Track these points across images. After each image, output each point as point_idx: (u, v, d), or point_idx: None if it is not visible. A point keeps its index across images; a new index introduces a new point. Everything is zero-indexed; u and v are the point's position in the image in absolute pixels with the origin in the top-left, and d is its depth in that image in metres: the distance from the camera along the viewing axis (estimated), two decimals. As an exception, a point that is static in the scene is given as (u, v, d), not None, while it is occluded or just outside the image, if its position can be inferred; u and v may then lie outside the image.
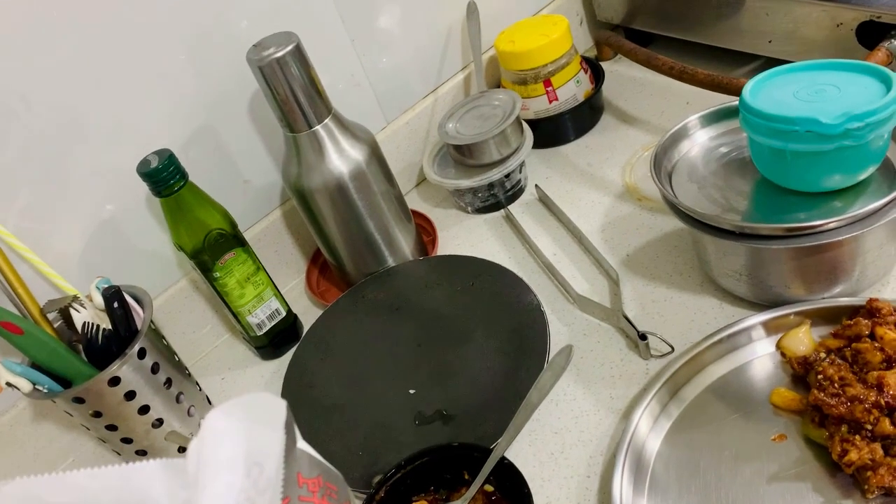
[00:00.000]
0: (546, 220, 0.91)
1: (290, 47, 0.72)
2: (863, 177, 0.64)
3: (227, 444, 0.33)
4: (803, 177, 0.64)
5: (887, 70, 0.62)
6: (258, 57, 0.72)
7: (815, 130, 0.59)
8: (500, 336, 0.75)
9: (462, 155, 0.93)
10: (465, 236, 0.94)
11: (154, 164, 0.72)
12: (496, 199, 0.95)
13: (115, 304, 0.71)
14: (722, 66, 0.98)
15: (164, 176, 0.72)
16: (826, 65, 0.66)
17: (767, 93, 0.65)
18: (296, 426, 0.36)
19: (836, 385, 0.58)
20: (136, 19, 0.75)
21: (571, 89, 0.98)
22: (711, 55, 0.98)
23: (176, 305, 0.88)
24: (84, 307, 0.74)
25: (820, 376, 0.59)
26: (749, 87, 0.66)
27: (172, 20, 0.77)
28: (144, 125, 0.79)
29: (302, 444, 0.37)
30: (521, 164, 0.95)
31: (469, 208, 0.97)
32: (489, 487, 0.59)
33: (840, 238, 0.61)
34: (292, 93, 0.74)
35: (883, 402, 0.55)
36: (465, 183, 0.92)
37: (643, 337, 0.69)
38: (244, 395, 0.34)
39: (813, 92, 0.63)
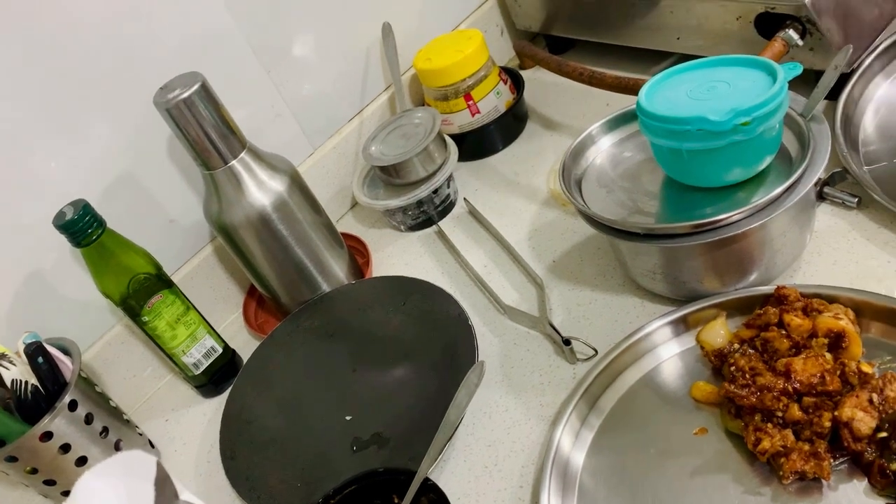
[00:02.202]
0: (476, 232, 0.92)
1: (195, 87, 0.72)
2: (761, 167, 0.65)
3: (104, 502, 0.33)
4: (704, 173, 0.66)
5: (773, 63, 0.64)
6: (164, 100, 0.72)
7: (705, 128, 0.61)
8: (432, 354, 0.76)
9: (389, 175, 0.93)
10: (400, 255, 0.95)
11: (69, 215, 0.72)
12: (427, 215, 0.96)
13: (39, 359, 0.71)
14: (640, 66, 0.99)
15: (81, 226, 0.72)
16: (717, 61, 0.67)
17: (662, 94, 0.66)
18: (173, 480, 0.36)
19: (747, 376, 0.59)
20: (41, 70, 0.75)
21: (492, 101, 0.99)
22: (630, 56, 1.00)
23: (113, 351, 0.88)
24: (13, 364, 0.74)
25: (732, 368, 0.60)
26: (644, 91, 0.67)
27: (81, 67, 0.77)
28: (60, 177, 0.79)
29: (186, 496, 0.37)
30: (449, 179, 0.96)
31: (402, 227, 0.97)
32: (420, 509, 0.60)
33: (744, 229, 0.62)
34: (203, 131, 0.74)
35: (791, 388, 0.57)
36: (394, 202, 0.92)
37: (567, 342, 0.70)
38: (116, 455, 0.35)
39: (705, 90, 0.64)
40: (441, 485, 0.60)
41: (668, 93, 0.66)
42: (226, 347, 0.86)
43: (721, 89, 0.64)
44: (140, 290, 0.77)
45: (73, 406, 0.72)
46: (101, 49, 0.78)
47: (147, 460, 0.35)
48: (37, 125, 0.77)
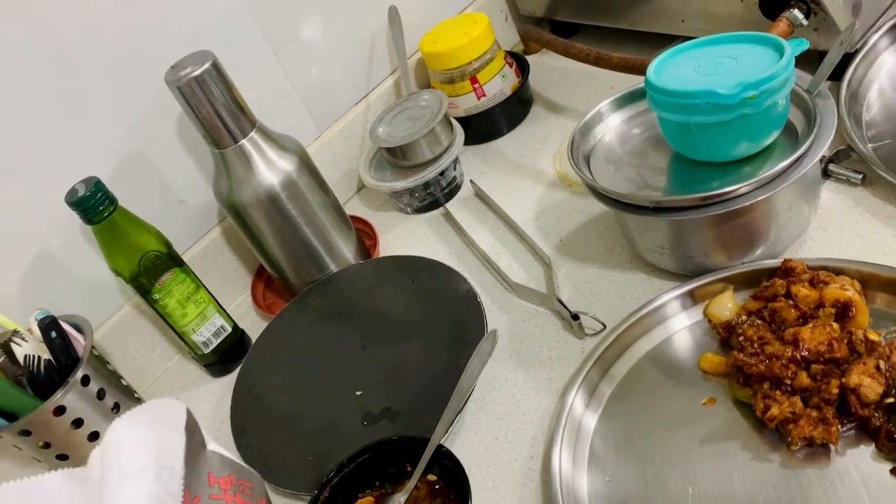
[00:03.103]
0: (483, 213, 0.93)
1: (206, 65, 0.73)
2: (768, 142, 0.66)
3: (134, 450, 0.34)
4: (712, 148, 0.67)
5: (780, 39, 0.64)
6: (175, 78, 0.73)
7: (714, 102, 0.61)
8: (441, 330, 0.77)
9: (395, 157, 0.94)
10: (407, 237, 0.95)
11: (81, 192, 0.72)
12: (434, 197, 0.96)
13: (53, 334, 0.72)
14: (645, 50, 0.99)
15: (93, 203, 0.73)
16: (725, 38, 0.68)
17: (670, 70, 0.67)
18: (202, 428, 0.37)
19: (755, 345, 0.60)
20: (53, 50, 0.76)
21: (498, 84, 1.00)
22: (634, 40, 1.00)
23: (122, 332, 0.89)
24: (25, 340, 0.74)
25: (741, 338, 0.61)
26: (653, 67, 0.68)
27: (91, 48, 0.78)
28: (71, 155, 0.80)
29: (213, 446, 0.38)
30: (455, 162, 0.96)
31: (408, 209, 0.98)
32: (432, 477, 0.60)
33: (751, 202, 0.63)
34: (213, 109, 0.75)
35: (799, 356, 0.57)
36: (401, 184, 0.93)
37: (576, 317, 0.71)
38: (146, 403, 0.35)
39: (713, 65, 0.65)
40: (453, 455, 0.61)
41: (675, 69, 0.67)
42: (235, 327, 0.87)
43: (728, 65, 0.65)
44: (151, 268, 0.77)
45: (85, 381, 0.72)
46: (111, 30, 0.79)
47: (177, 408, 0.35)
48: (48, 105, 0.77)
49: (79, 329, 0.77)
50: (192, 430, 0.35)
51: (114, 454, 0.33)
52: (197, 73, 0.73)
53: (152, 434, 0.35)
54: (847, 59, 0.79)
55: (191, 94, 0.74)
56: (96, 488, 0.32)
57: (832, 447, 0.56)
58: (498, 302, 0.80)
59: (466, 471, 0.59)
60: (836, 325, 0.59)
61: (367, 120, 1.03)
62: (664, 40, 0.99)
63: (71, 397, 0.71)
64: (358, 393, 0.75)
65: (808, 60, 0.69)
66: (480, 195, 0.95)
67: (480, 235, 0.89)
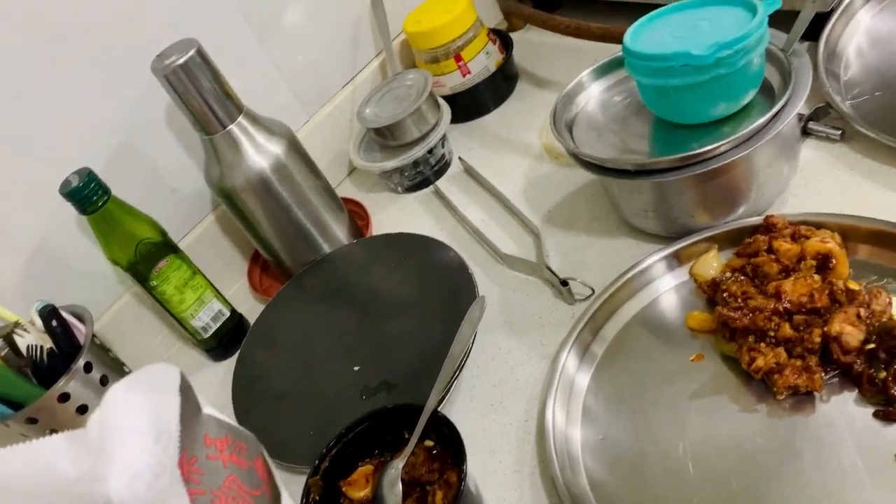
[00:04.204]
0: (473, 189, 0.94)
1: (191, 52, 0.74)
2: (745, 101, 0.67)
3: (133, 413, 0.35)
4: (690, 109, 0.68)
5: (753, 0, 0.65)
6: (161, 66, 0.74)
7: (689, 63, 0.63)
8: (434, 302, 0.78)
9: (384, 137, 0.95)
10: (399, 216, 0.96)
11: (75, 183, 0.74)
12: (423, 175, 0.97)
13: (54, 323, 0.73)
14: (627, 19, 1.00)
15: (87, 193, 0.74)
16: (700, 2, 0.69)
17: (647, 36, 0.68)
18: (195, 392, 0.38)
19: (739, 300, 0.61)
20: (40, 42, 0.77)
21: (482, 61, 1.01)
22: (617, 10, 1.01)
23: (123, 321, 0.90)
24: (27, 332, 0.76)
25: (725, 294, 0.62)
26: (629, 33, 0.69)
27: (79, 39, 0.79)
28: (63, 147, 0.81)
29: (208, 409, 0.39)
30: (443, 139, 0.97)
31: (399, 188, 0.99)
32: (429, 442, 0.62)
33: (730, 160, 0.64)
34: (200, 96, 0.76)
35: (782, 308, 0.59)
36: (391, 164, 0.94)
37: (565, 283, 0.72)
38: (142, 368, 0.37)
39: (688, 28, 0.66)
40: (449, 422, 0.62)
41: (652, 34, 0.68)
42: (233, 311, 0.89)
43: (703, 27, 0.66)
44: (147, 256, 0.78)
45: (88, 368, 0.74)
46: (98, 21, 0.80)
47: (171, 371, 0.37)
48: (38, 98, 0.78)
49: (80, 318, 0.78)
50: (187, 393, 0.37)
51: (114, 416, 0.34)
52: (182, 60, 0.74)
53: (150, 397, 0.36)
54: (824, 18, 0.79)
55: (177, 82, 0.75)
56: (96, 448, 0.33)
57: (817, 395, 0.57)
58: (490, 274, 0.82)
59: (463, 437, 0.60)
60: (817, 277, 0.60)
61: (355, 102, 1.04)
62: (646, 9, 0.99)
63: (74, 384, 0.73)
64: (356, 368, 0.77)
65: (786, 21, 0.70)
66: (469, 171, 0.96)
67: (471, 211, 0.91)
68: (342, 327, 0.82)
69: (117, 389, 0.35)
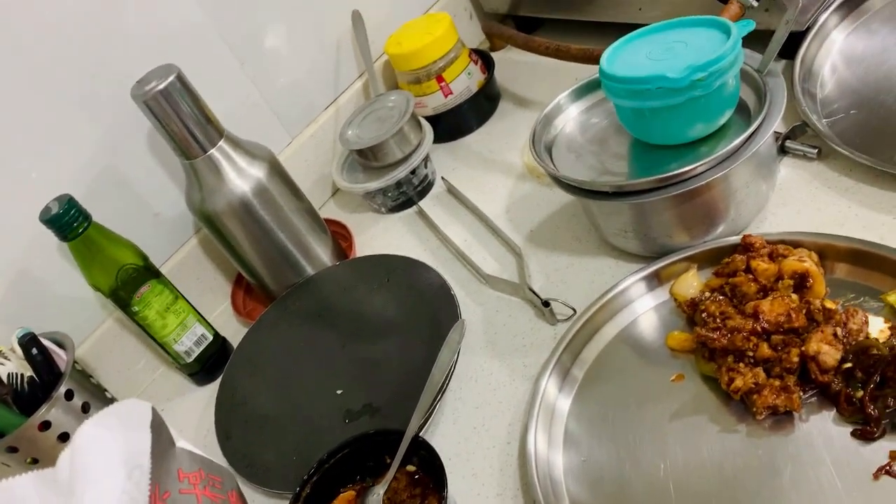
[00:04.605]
0: (456, 209, 0.94)
1: (170, 78, 0.74)
2: (721, 122, 0.68)
3: (102, 450, 0.35)
4: (667, 131, 0.68)
5: (727, 21, 0.66)
6: (141, 92, 0.74)
7: (664, 86, 0.63)
8: (417, 324, 0.78)
9: (366, 159, 0.96)
10: (382, 236, 0.97)
11: (55, 210, 0.73)
12: (407, 196, 0.98)
13: (34, 351, 0.73)
14: (606, 40, 1.00)
15: (67, 220, 0.74)
16: (675, 24, 0.70)
17: (623, 58, 0.69)
18: (168, 426, 0.38)
19: (717, 320, 0.61)
20: (20, 69, 0.77)
21: (464, 82, 1.01)
22: (596, 32, 1.01)
23: (106, 346, 0.90)
24: (8, 359, 0.75)
25: (703, 314, 0.62)
26: (606, 55, 0.69)
27: (57, 65, 0.79)
28: (44, 174, 0.81)
29: (182, 443, 0.39)
30: (426, 160, 0.98)
31: (383, 209, 0.99)
32: (411, 467, 0.62)
33: (708, 181, 0.64)
34: (181, 121, 0.76)
35: (760, 328, 0.59)
36: (374, 185, 0.94)
37: (546, 304, 0.73)
38: (112, 405, 0.36)
39: (663, 51, 0.67)
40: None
41: (628, 56, 0.69)
42: (216, 335, 0.88)
43: (678, 49, 0.66)
44: (128, 281, 0.78)
45: (69, 395, 0.73)
46: (75, 46, 0.80)
47: (142, 407, 0.37)
48: (17, 124, 0.78)
49: (60, 345, 0.78)
50: (159, 428, 0.37)
51: (84, 455, 0.34)
52: (162, 86, 0.74)
53: (121, 434, 0.36)
54: (799, 37, 0.80)
55: (157, 108, 0.75)
56: (66, 489, 0.33)
57: (795, 414, 0.57)
58: (472, 294, 0.82)
59: (446, 460, 0.60)
60: (794, 296, 0.60)
61: (338, 124, 1.04)
62: (624, 30, 1.00)
63: (56, 412, 0.72)
64: (339, 392, 0.76)
65: (762, 41, 0.70)
66: (452, 191, 0.96)
67: (454, 230, 0.91)
68: (325, 350, 0.82)
69: (87, 427, 0.35)
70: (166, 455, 0.37)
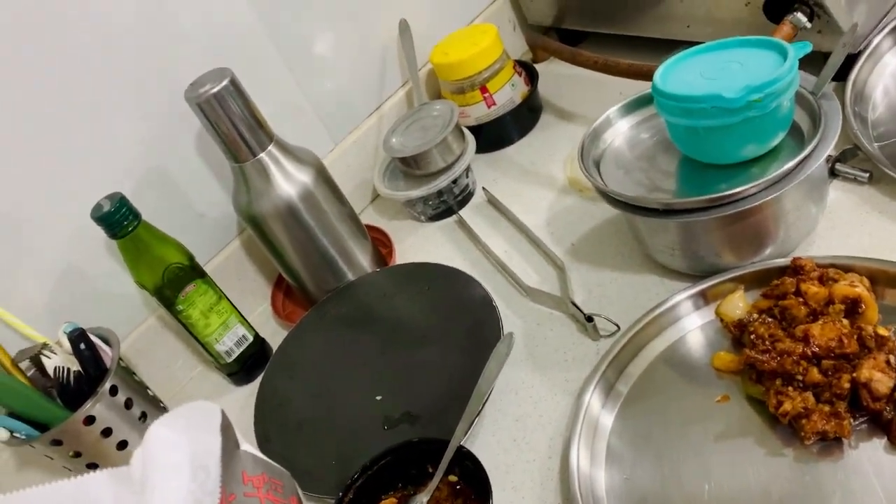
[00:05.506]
0: (496, 220, 0.95)
1: (224, 82, 0.75)
2: (774, 143, 0.67)
3: (171, 450, 0.36)
4: (719, 150, 0.68)
5: (784, 43, 0.66)
6: (195, 94, 0.75)
7: (720, 105, 0.63)
8: (458, 334, 0.78)
9: (409, 166, 0.96)
10: (421, 244, 0.97)
11: (106, 207, 0.75)
12: (447, 205, 0.98)
13: (82, 346, 0.74)
14: (651, 56, 1.01)
15: (118, 218, 0.75)
16: (729, 43, 0.69)
17: (677, 76, 0.69)
18: (235, 429, 0.39)
19: (766, 342, 0.61)
20: (78, 70, 0.78)
21: (508, 93, 1.02)
22: (641, 46, 1.02)
23: (147, 343, 0.91)
24: (54, 353, 0.76)
25: (752, 335, 0.62)
26: (659, 73, 0.69)
27: (113, 67, 0.80)
28: (95, 172, 0.82)
29: (245, 446, 0.40)
30: (468, 170, 0.98)
31: (422, 217, 1.00)
32: (453, 478, 0.62)
33: (759, 202, 0.64)
34: (232, 125, 0.77)
35: (810, 352, 0.59)
36: (415, 193, 0.95)
37: (590, 319, 0.73)
38: (182, 406, 0.37)
39: (718, 70, 0.67)
40: (472, 456, 0.62)
41: (682, 74, 0.69)
42: (256, 336, 0.89)
43: (733, 69, 0.66)
44: (174, 280, 0.79)
45: (113, 391, 0.74)
46: (132, 48, 0.81)
47: (212, 410, 0.37)
48: (72, 122, 0.79)
49: (106, 341, 0.79)
50: (227, 431, 0.37)
51: (153, 454, 0.35)
52: (216, 90, 0.75)
53: (188, 435, 0.36)
54: (851, 60, 0.80)
55: (210, 111, 0.76)
56: (138, 487, 0.34)
57: (845, 441, 0.57)
58: (513, 306, 0.82)
59: (486, 472, 0.60)
60: (845, 322, 0.60)
61: (381, 131, 1.05)
62: (670, 46, 1.01)
63: (100, 407, 0.73)
64: (378, 398, 0.77)
65: (814, 62, 0.70)
66: (493, 202, 0.97)
67: (494, 241, 0.91)
68: (364, 356, 0.82)
69: (159, 426, 0.36)
70: (232, 457, 0.37)
